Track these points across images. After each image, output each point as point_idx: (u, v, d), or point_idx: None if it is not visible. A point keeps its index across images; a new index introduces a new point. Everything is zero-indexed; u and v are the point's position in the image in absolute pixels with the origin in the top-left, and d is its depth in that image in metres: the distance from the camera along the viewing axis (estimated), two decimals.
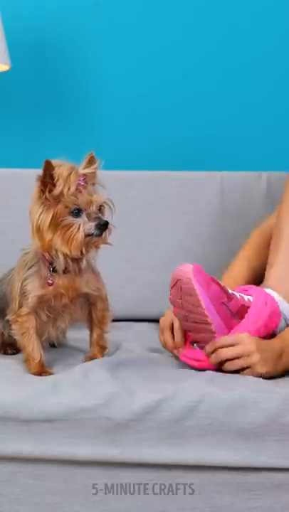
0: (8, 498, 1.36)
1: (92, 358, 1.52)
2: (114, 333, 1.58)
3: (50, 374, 1.44)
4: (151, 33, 2.26)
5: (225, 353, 1.42)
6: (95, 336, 1.54)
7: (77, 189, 1.40)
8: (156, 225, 2.03)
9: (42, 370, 1.45)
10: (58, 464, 1.35)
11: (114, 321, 1.57)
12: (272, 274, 1.55)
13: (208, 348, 1.44)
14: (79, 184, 1.40)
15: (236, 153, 2.26)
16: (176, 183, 2.05)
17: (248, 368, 1.41)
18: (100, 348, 1.53)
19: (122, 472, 1.35)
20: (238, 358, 1.41)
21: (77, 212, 1.40)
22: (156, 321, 1.97)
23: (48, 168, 1.39)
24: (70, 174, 1.39)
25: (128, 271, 1.99)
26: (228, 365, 1.43)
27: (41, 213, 1.40)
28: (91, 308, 1.53)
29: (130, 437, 1.33)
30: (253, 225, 1.99)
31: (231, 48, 2.26)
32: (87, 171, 1.42)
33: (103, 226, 1.40)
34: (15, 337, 1.49)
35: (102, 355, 1.53)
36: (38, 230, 1.41)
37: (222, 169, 2.08)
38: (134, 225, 2.02)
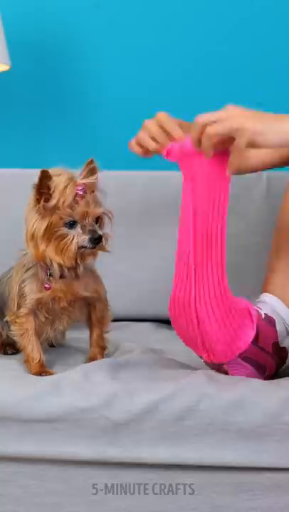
0: (8, 498, 1.36)
1: (92, 359, 1.52)
2: (114, 333, 1.58)
3: (51, 374, 1.44)
4: (151, 33, 2.26)
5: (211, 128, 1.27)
6: (94, 336, 1.54)
7: (74, 199, 1.38)
8: (156, 225, 2.03)
9: (42, 370, 1.45)
10: (58, 463, 1.35)
11: (114, 321, 1.57)
12: (274, 281, 1.54)
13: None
14: (77, 194, 1.39)
15: None
16: (176, 183, 2.05)
17: (236, 133, 1.25)
18: (100, 349, 1.53)
19: (122, 472, 1.35)
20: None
21: (71, 224, 1.39)
22: (156, 320, 1.98)
23: (45, 177, 1.37)
24: (66, 187, 1.37)
25: (128, 271, 1.99)
26: (210, 130, 1.27)
27: (35, 222, 1.39)
28: (90, 310, 1.53)
29: (130, 437, 1.33)
30: (253, 225, 1.99)
31: (231, 47, 2.26)
32: (86, 180, 1.40)
33: (97, 240, 1.40)
34: (14, 338, 1.49)
35: (103, 356, 1.53)
36: (32, 239, 1.40)
37: None
38: (134, 225, 2.01)
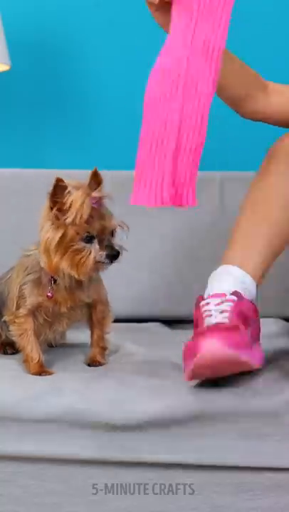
0: (8, 498, 1.36)
1: (92, 359, 1.52)
2: (115, 334, 1.58)
3: (50, 374, 1.44)
4: (151, 33, 2.25)
5: None
6: (95, 337, 1.53)
7: (90, 214, 1.38)
8: (156, 225, 2.03)
9: (41, 370, 1.45)
10: (57, 463, 1.35)
11: (114, 321, 1.57)
12: (232, 253, 1.50)
13: None
14: (92, 208, 1.38)
15: (236, 153, 2.26)
16: None
17: None
18: (100, 349, 1.53)
19: (122, 472, 1.35)
20: None
21: (89, 239, 1.39)
22: (156, 321, 1.98)
23: (59, 185, 1.36)
24: (83, 203, 1.37)
25: (128, 271, 1.99)
26: None
27: (48, 231, 1.38)
28: (91, 311, 1.53)
29: (130, 437, 1.33)
30: None
31: (231, 47, 2.25)
32: (99, 194, 1.40)
33: (114, 257, 1.40)
34: (13, 338, 1.49)
35: (103, 356, 1.53)
36: (45, 248, 1.40)
37: (222, 169, 2.08)
38: (134, 225, 2.01)
